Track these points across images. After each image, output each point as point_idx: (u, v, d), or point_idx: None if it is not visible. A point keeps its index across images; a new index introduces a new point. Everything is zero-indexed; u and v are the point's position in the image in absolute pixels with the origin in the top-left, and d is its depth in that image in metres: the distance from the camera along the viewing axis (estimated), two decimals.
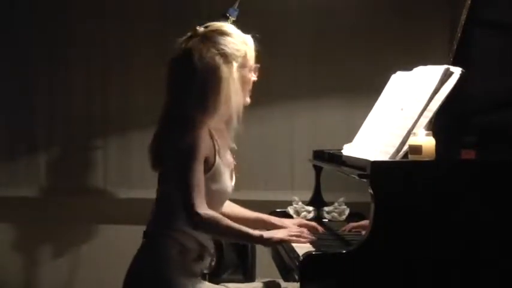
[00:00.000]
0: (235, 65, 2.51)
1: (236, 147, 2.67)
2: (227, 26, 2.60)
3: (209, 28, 2.57)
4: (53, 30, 4.51)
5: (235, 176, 2.69)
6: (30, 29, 4.52)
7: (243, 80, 2.57)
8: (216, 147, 2.50)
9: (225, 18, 3.42)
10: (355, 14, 4.29)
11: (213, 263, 2.58)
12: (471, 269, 2.26)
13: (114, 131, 4.46)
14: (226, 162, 2.56)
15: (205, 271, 2.56)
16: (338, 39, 4.29)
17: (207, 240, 2.56)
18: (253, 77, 2.62)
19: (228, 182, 2.58)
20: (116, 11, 4.48)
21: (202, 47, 2.50)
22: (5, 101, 4.55)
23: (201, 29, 2.56)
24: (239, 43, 2.55)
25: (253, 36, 2.61)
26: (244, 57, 2.56)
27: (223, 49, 2.50)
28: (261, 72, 2.65)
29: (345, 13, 4.29)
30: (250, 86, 2.62)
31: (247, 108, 2.62)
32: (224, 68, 2.48)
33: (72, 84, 4.51)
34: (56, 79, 4.52)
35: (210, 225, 2.40)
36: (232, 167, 2.63)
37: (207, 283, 2.58)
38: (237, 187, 4.36)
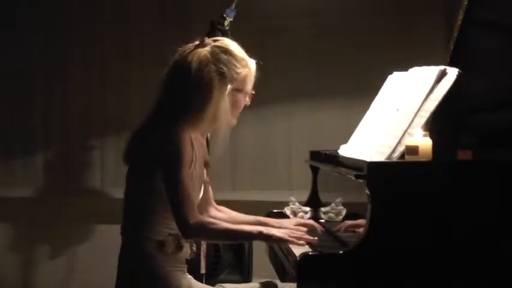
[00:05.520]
0: (229, 86, 2.49)
1: (210, 165, 2.63)
2: (234, 46, 2.55)
3: (216, 43, 2.54)
4: (53, 30, 4.51)
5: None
6: (30, 29, 4.52)
7: (235, 104, 2.55)
8: (193, 158, 2.47)
9: (222, 18, 3.44)
10: (354, 15, 4.29)
11: (194, 248, 2.57)
12: (469, 269, 2.26)
13: (111, 131, 4.45)
14: (197, 174, 2.51)
15: (188, 257, 2.56)
16: (336, 40, 4.29)
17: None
18: (246, 101, 2.60)
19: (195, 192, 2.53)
20: (115, 11, 4.47)
21: (204, 59, 2.47)
22: (3, 101, 4.55)
23: (209, 41, 2.54)
24: (240, 66, 2.52)
25: (257, 63, 2.58)
26: (243, 81, 2.54)
27: (222, 68, 2.48)
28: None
29: (344, 13, 4.29)
30: (240, 110, 2.60)
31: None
32: (217, 87, 2.47)
33: (70, 85, 4.51)
34: (54, 79, 4.52)
35: (205, 232, 2.41)
36: (203, 180, 2.58)
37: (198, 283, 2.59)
38: (234, 187, 4.40)
